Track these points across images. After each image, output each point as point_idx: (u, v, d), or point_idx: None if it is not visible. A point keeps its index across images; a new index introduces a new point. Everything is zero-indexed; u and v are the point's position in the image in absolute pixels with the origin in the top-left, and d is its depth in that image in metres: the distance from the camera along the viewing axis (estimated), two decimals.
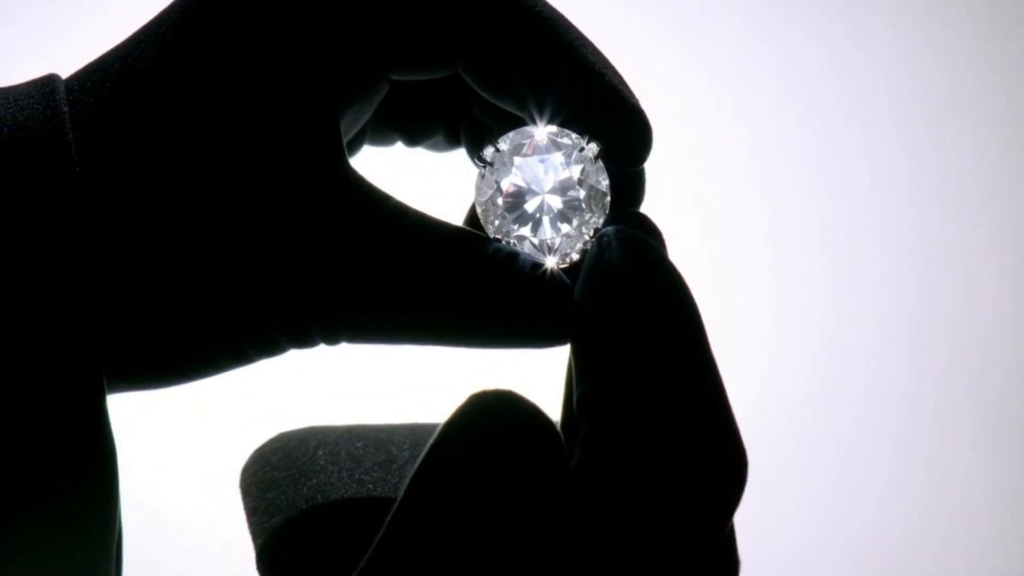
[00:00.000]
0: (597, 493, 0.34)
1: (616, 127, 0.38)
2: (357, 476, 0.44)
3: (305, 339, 0.38)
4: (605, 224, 0.38)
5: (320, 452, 0.45)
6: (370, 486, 0.44)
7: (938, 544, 0.87)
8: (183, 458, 0.81)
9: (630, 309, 0.35)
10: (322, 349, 0.39)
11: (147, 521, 0.69)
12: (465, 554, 0.34)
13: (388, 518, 0.35)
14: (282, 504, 0.43)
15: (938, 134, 0.90)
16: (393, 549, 0.35)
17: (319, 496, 0.43)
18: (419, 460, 0.36)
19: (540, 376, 0.45)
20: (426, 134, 0.44)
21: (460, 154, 0.45)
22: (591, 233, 0.38)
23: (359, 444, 0.46)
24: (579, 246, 0.38)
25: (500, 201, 0.38)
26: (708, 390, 0.35)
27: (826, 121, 0.91)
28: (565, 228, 0.38)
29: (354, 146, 0.43)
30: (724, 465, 0.34)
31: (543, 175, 0.38)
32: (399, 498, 0.35)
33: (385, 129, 0.44)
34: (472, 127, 0.44)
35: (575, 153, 0.38)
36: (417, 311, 0.37)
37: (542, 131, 0.38)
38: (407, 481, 0.36)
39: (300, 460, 0.45)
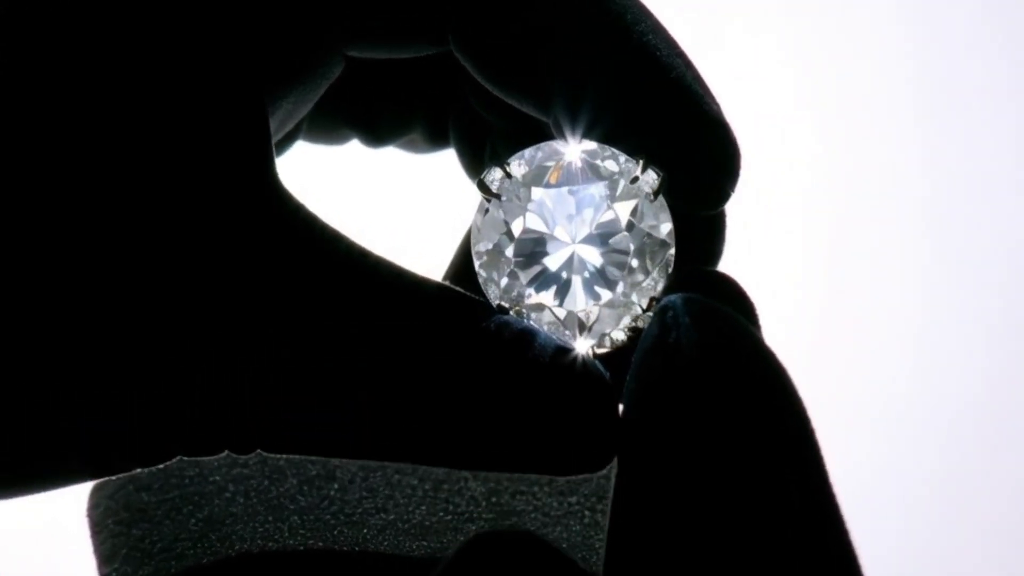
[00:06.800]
0: None
1: (688, 147, 0.28)
2: (275, 500, 0.35)
3: (207, 454, 0.28)
4: (666, 291, 0.28)
5: (217, 461, 0.35)
6: (295, 518, 0.34)
7: None
8: None
9: (713, 431, 0.25)
10: None
11: None
12: None
13: None
14: (155, 547, 0.34)
15: None
16: None
17: (213, 534, 0.34)
18: None
19: None
20: (397, 130, 0.35)
21: (445, 157, 0.35)
22: (645, 304, 0.28)
23: None
24: (626, 322, 0.28)
25: (510, 251, 0.28)
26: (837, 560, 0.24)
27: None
28: (606, 295, 0.28)
29: (282, 145, 0.33)
30: None
31: (575, 215, 0.28)
32: None
33: (334, 122, 0.34)
34: (467, 121, 0.34)
35: (623, 184, 0.28)
36: (377, 414, 0.27)
37: (575, 148, 0.28)
38: None
39: (185, 475, 0.35)
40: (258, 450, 0.28)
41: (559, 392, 0.27)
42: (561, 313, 0.28)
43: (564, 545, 0.35)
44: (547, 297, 0.28)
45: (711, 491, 0.24)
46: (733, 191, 0.28)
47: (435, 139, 0.35)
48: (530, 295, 0.28)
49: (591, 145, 0.28)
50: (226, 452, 0.29)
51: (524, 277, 0.28)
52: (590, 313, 0.28)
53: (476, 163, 0.33)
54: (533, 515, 0.35)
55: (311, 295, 0.27)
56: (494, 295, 0.29)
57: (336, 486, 0.35)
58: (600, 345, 0.28)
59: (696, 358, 0.25)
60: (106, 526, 0.35)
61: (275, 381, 0.27)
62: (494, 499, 0.36)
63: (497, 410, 0.27)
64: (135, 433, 0.28)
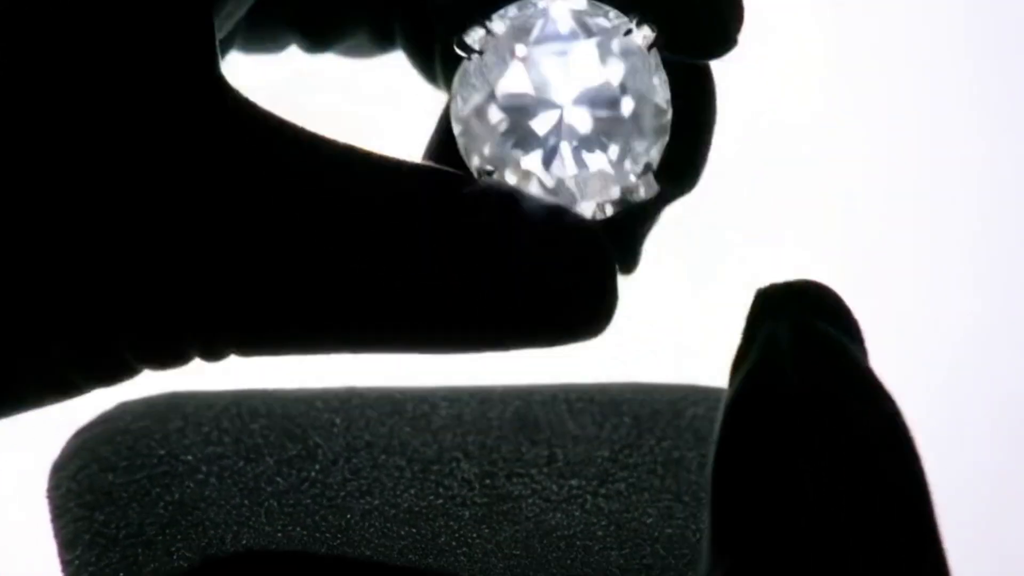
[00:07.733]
0: None
1: None
2: (251, 482, 0.34)
3: (173, 358, 0.28)
4: (766, 306, 0.27)
5: (188, 439, 0.35)
6: (273, 502, 0.33)
7: None
8: None
9: (821, 461, 0.24)
10: None
11: None
12: None
13: None
14: (121, 533, 0.33)
15: None
16: None
17: (184, 519, 0.33)
18: None
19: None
20: (339, 33, 0.34)
21: (395, 59, 0.34)
22: (639, 171, 0.28)
23: (256, 425, 0.36)
24: (616, 192, 0.28)
25: (493, 114, 0.27)
26: None
27: None
28: (597, 161, 0.27)
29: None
30: None
31: (563, 75, 0.27)
32: None
33: (272, 25, 0.34)
34: (416, 18, 0.33)
35: (617, 40, 0.27)
36: (358, 298, 0.27)
37: (562, 5, 0.28)
38: None
39: (154, 454, 0.35)
40: (231, 355, 0.28)
41: (554, 251, 0.26)
42: (549, 181, 0.27)
43: (565, 533, 0.34)
44: (534, 163, 0.27)
45: (822, 526, 0.23)
46: (738, 34, 0.28)
47: (381, 40, 0.35)
48: (515, 161, 0.27)
49: (580, 2, 0.28)
50: (196, 359, 0.28)
51: (508, 142, 0.27)
52: (580, 180, 0.28)
53: (430, 62, 0.33)
54: (531, 500, 0.35)
55: (274, 180, 0.26)
56: (475, 162, 0.28)
57: (317, 467, 0.35)
58: (592, 212, 0.28)
59: (807, 391, 0.25)
60: (68, 509, 0.34)
61: (246, 272, 0.26)
62: (488, 481, 0.35)
63: (489, 277, 0.26)
64: (102, 349, 0.27)
